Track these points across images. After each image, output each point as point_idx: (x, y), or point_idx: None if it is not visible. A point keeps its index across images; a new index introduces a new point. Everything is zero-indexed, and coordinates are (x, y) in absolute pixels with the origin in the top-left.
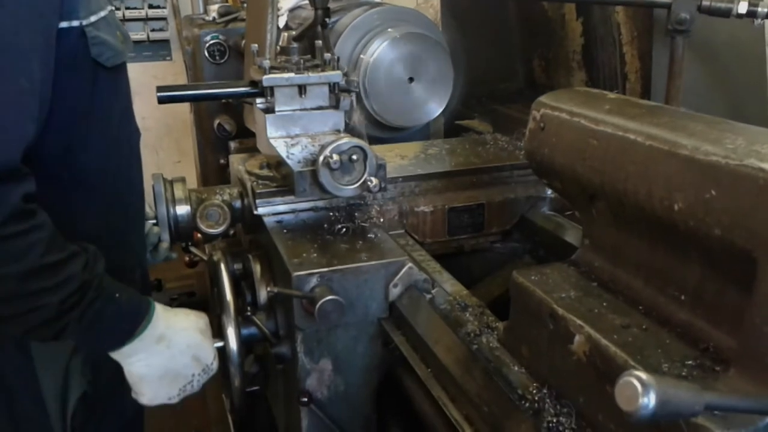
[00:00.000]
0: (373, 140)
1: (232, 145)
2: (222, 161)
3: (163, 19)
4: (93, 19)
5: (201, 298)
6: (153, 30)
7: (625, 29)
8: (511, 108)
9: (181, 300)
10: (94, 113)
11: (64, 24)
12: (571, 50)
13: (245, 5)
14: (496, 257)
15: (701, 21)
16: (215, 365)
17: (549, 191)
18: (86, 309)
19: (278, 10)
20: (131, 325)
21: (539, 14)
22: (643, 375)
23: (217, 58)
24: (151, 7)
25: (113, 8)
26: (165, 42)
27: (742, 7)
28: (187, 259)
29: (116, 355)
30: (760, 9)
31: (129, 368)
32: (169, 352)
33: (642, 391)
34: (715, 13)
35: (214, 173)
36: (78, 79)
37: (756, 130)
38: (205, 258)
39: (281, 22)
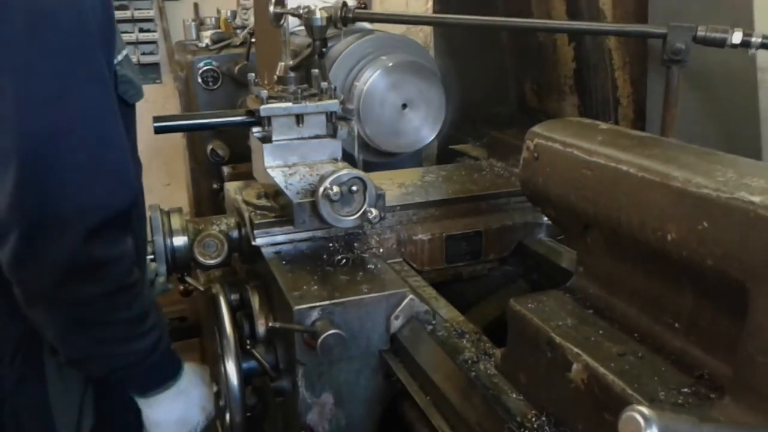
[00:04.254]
0: (366, 165)
1: (226, 170)
2: (215, 186)
3: (154, 42)
4: (120, 58)
5: (192, 323)
6: (143, 53)
7: (616, 55)
8: (506, 133)
9: (172, 325)
10: None
11: None
12: (563, 75)
13: (237, 31)
14: (489, 281)
15: (694, 50)
16: (213, 411)
17: (546, 217)
18: (158, 356)
19: None
20: (170, 376)
21: (531, 39)
22: (645, 410)
23: (210, 84)
24: (141, 31)
25: None
26: (155, 65)
27: (737, 38)
28: (181, 288)
29: (142, 399)
30: (753, 39)
31: (149, 413)
32: (186, 405)
33: (644, 425)
34: (710, 43)
35: (207, 198)
36: None
37: (745, 163)
38: (201, 288)
39: None
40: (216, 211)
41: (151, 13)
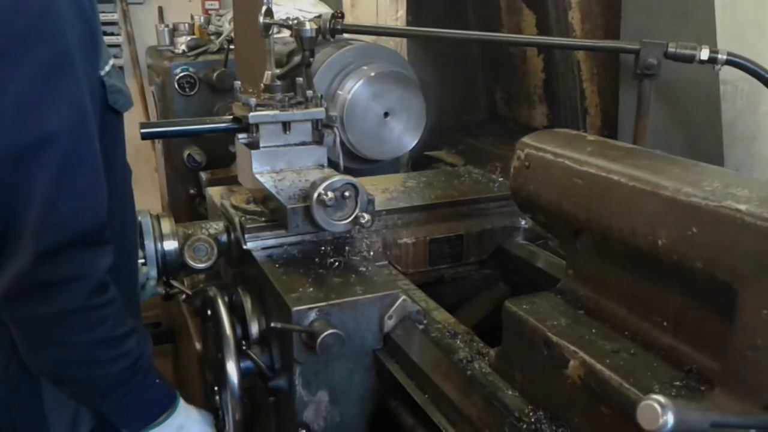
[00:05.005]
0: (347, 171)
1: (203, 175)
2: (192, 191)
3: (118, 46)
4: (107, 68)
5: (167, 328)
6: None
7: (585, 66)
8: (482, 141)
9: (147, 331)
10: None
11: None
12: (533, 84)
13: (212, 37)
14: (470, 284)
15: (663, 64)
16: None
17: (523, 222)
18: (133, 387)
19: None
20: (160, 409)
21: (501, 50)
22: (661, 398)
23: (187, 89)
24: (105, 34)
25: None
26: (119, 68)
27: (704, 54)
28: (163, 291)
29: None
30: (719, 56)
31: None
32: None
33: (661, 412)
34: (680, 59)
35: (183, 203)
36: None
37: (727, 174)
38: (188, 292)
39: None
40: (192, 216)
41: (115, 17)
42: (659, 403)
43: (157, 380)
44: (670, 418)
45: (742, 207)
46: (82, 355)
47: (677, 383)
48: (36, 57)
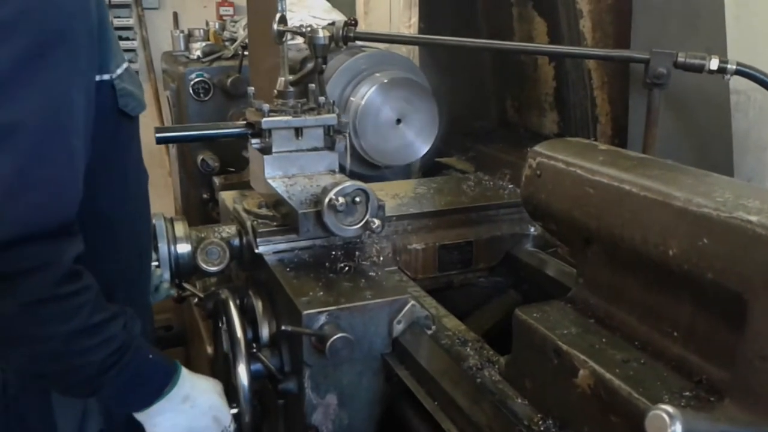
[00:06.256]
0: (358, 177)
1: (217, 180)
2: (205, 196)
3: (133, 50)
4: (119, 71)
5: (178, 331)
6: None
7: (596, 75)
8: (491, 147)
9: (158, 334)
10: (115, 161)
11: (97, 78)
12: (544, 92)
13: (227, 43)
14: (480, 291)
15: (673, 73)
16: (232, 429)
17: (532, 229)
18: (123, 369)
19: None
20: (161, 384)
21: (513, 58)
22: (669, 408)
23: (202, 95)
24: (120, 39)
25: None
26: (135, 72)
27: (714, 64)
28: (176, 294)
29: (142, 415)
30: (729, 66)
31: (153, 429)
32: (193, 412)
33: (669, 422)
34: (690, 68)
35: (196, 207)
36: (103, 130)
37: (739, 185)
38: (200, 295)
39: None
40: (205, 220)
41: (130, 22)
42: (667, 413)
43: (151, 355)
44: (678, 428)
45: (753, 218)
46: (60, 347)
47: (687, 393)
48: (17, 43)
